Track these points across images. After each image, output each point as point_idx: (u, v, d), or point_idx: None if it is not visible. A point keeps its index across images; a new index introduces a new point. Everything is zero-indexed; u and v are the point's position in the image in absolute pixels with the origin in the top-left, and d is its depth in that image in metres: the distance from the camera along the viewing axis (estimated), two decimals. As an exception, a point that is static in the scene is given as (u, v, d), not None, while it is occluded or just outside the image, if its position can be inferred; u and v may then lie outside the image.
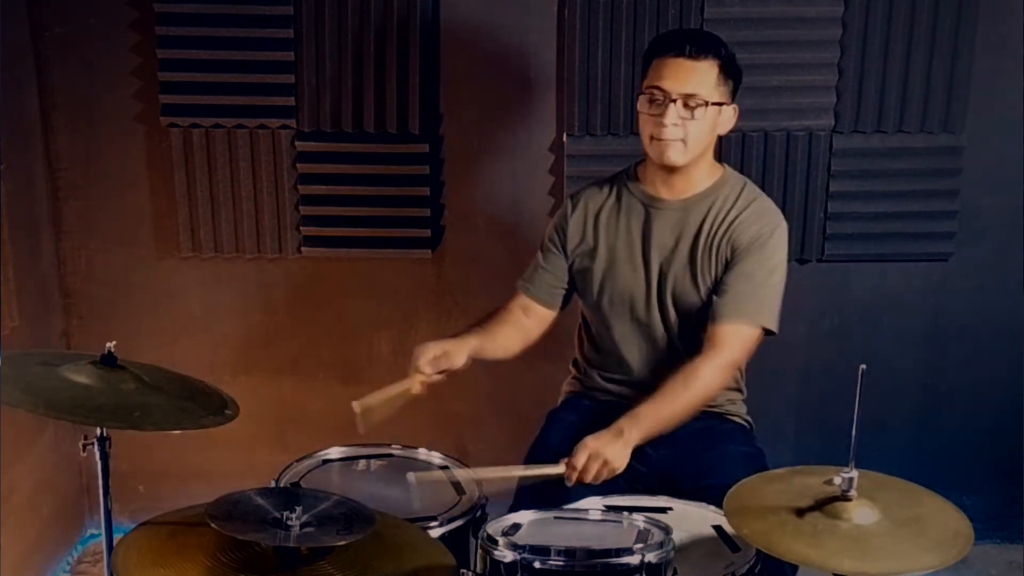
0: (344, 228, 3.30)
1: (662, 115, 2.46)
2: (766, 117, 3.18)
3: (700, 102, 2.45)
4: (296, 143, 3.24)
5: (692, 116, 2.46)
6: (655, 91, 2.47)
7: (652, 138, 2.50)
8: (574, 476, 2.36)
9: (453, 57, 3.24)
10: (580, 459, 2.35)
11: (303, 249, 3.33)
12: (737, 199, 2.58)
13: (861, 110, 3.22)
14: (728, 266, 2.54)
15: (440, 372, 2.51)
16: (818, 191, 3.28)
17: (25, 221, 3.17)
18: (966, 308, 3.42)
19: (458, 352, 2.52)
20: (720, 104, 2.49)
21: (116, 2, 3.19)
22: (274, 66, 3.18)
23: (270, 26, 3.16)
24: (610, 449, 2.36)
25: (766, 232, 2.55)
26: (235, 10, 3.14)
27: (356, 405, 2.44)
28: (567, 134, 3.25)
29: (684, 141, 2.48)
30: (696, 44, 2.47)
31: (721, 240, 2.55)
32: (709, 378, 2.49)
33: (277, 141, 3.24)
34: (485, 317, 2.70)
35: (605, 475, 2.36)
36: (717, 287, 2.55)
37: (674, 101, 2.45)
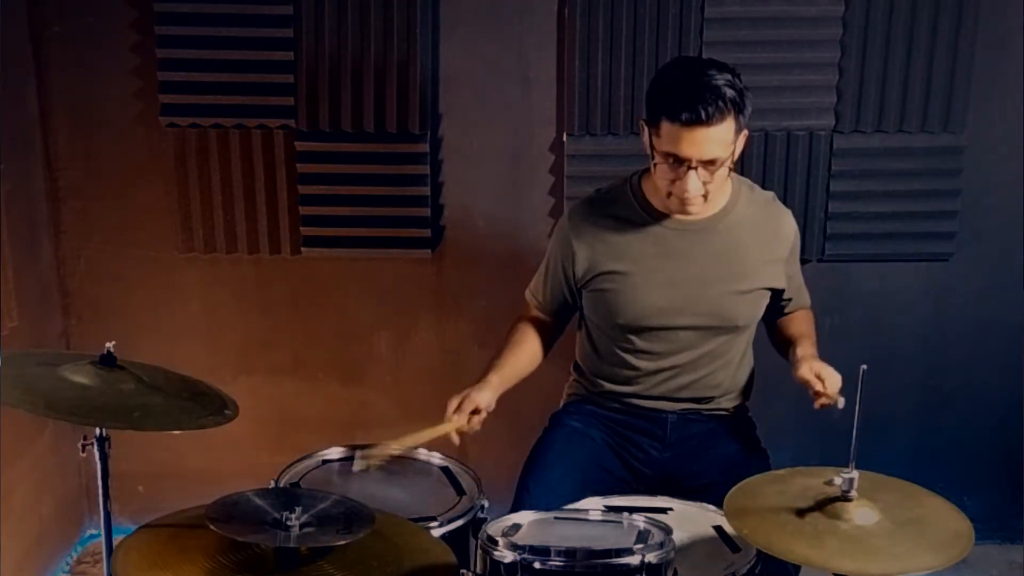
0: (344, 228, 3.29)
1: (683, 180, 2.38)
2: (766, 117, 3.17)
3: (721, 163, 2.38)
4: (296, 143, 3.24)
5: (713, 177, 2.39)
6: (672, 157, 2.37)
7: (671, 194, 2.43)
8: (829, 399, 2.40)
9: (453, 57, 3.24)
10: (831, 376, 2.40)
11: (303, 249, 3.33)
12: (756, 206, 2.58)
13: (862, 110, 3.22)
14: (782, 268, 2.60)
15: (473, 415, 2.47)
16: (819, 191, 3.28)
17: (24, 221, 3.17)
18: (966, 308, 3.42)
19: (480, 395, 2.48)
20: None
21: (116, 2, 3.19)
22: (274, 66, 3.18)
23: (270, 26, 3.15)
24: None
25: (793, 229, 2.63)
26: (235, 10, 3.14)
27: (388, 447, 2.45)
28: (567, 134, 3.24)
29: (705, 196, 2.42)
30: (713, 106, 2.31)
31: (770, 251, 2.57)
32: None
33: (276, 141, 3.24)
34: (504, 341, 2.67)
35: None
36: (788, 283, 2.63)
37: (694, 168, 2.37)
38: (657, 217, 2.54)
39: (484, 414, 2.50)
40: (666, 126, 2.35)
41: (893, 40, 3.17)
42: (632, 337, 2.58)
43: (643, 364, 2.60)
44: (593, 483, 2.47)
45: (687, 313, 2.54)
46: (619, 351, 2.61)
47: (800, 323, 2.68)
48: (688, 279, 2.53)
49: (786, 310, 2.69)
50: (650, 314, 2.54)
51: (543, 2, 3.19)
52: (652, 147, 2.42)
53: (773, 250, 2.59)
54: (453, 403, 2.48)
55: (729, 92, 2.34)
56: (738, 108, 2.35)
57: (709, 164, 2.37)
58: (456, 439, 2.49)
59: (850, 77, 3.19)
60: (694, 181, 2.37)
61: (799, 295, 2.70)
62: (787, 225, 2.63)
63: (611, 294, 2.56)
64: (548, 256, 2.68)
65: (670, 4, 3.12)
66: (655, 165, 2.42)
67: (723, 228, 2.54)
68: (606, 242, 2.56)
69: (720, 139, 2.35)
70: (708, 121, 2.31)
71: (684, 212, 2.48)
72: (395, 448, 2.46)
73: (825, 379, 2.40)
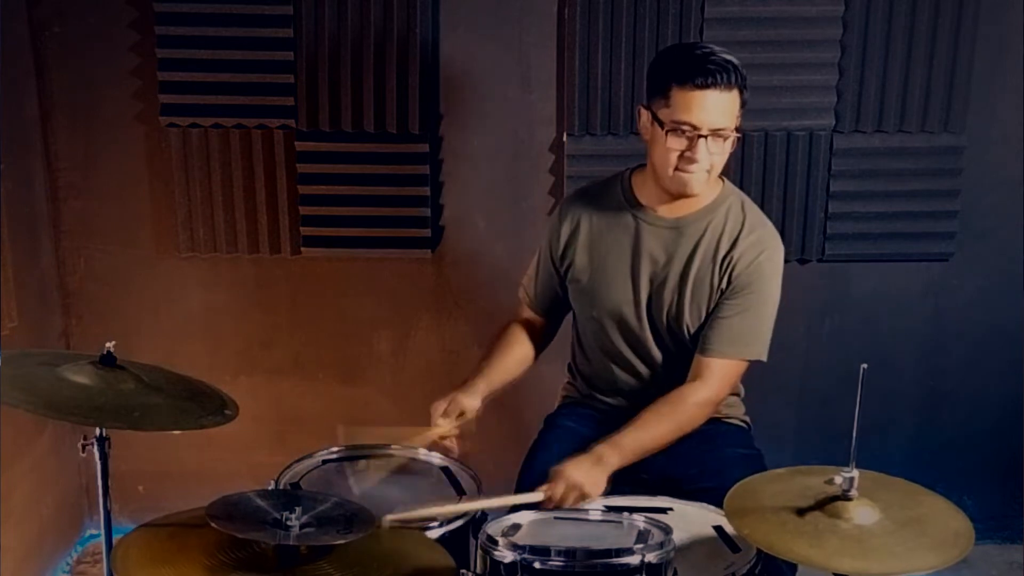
0: (344, 228, 3.30)
1: (692, 151, 2.37)
2: (766, 117, 3.18)
3: (729, 133, 2.39)
4: (296, 143, 3.24)
5: (721, 149, 2.40)
6: (684, 127, 2.36)
7: (676, 170, 2.41)
8: (551, 504, 2.28)
9: (453, 57, 3.24)
10: (558, 489, 2.28)
11: (303, 249, 3.33)
12: (734, 220, 2.51)
13: (862, 110, 3.22)
14: (723, 294, 2.49)
15: (459, 419, 2.46)
16: (818, 191, 3.27)
17: (25, 221, 3.17)
18: (966, 308, 3.42)
19: (467, 398, 2.47)
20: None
21: (116, 2, 3.19)
22: (274, 66, 3.18)
23: (270, 26, 3.16)
24: (588, 478, 2.29)
25: (763, 262, 2.49)
26: (235, 10, 3.14)
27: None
28: (567, 134, 3.24)
29: (709, 171, 2.42)
30: (723, 72, 2.33)
31: (717, 266, 2.50)
32: (693, 411, 2.48)
33: (276, 141, 3.24)
34: (493, 344, 2.66)
35: (580, 503, 2.29)
36: (711, 316, 2.50)
37: (704, 137, 2.36)
38: (636, 210, 2.54)
39: (469, 417, 2.47)
40: (677, 93, 2.36)
41: (893, 40, 3.17)
42: (605, 334, 2.58)
43: (621, 371, 2.61)
44: None
45: (647, 313, 2.54)
46: (598, 350, 2.61)
47: (666, 405, 2.47)
48: (647, 278, 2.52)
49: (702, 343, 2.50)
50: (615, 308, 2.54)
51: (543, 2, 3.20)
52: (658, 123, 2.40)
53: (716, 275, 2.50)
54: (440, 407, 2.46)
55: (736, 62, 2.38)
56: (743, 81, 2.38)
57: (717, 134, 2.37)
58: (453, 446, 2.46)
59: (850, 77, 3.19)
60: (703, 150, 2.37)
61: (724, 339, 2.48)
62: (744, 261, 2.47)
63: (583, 285, 2.58)
64: (540, 247, 2.69)
65: (670, 4, 3.13)
66: (666, 134, 2.39)
67: (694, 232, 2.51)
68: (585, 232, 2.58)
69: (728, 107, 2.37)
70: (720, 84, 2.34)
71: (686, 191, 2.45)
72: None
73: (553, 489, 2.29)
